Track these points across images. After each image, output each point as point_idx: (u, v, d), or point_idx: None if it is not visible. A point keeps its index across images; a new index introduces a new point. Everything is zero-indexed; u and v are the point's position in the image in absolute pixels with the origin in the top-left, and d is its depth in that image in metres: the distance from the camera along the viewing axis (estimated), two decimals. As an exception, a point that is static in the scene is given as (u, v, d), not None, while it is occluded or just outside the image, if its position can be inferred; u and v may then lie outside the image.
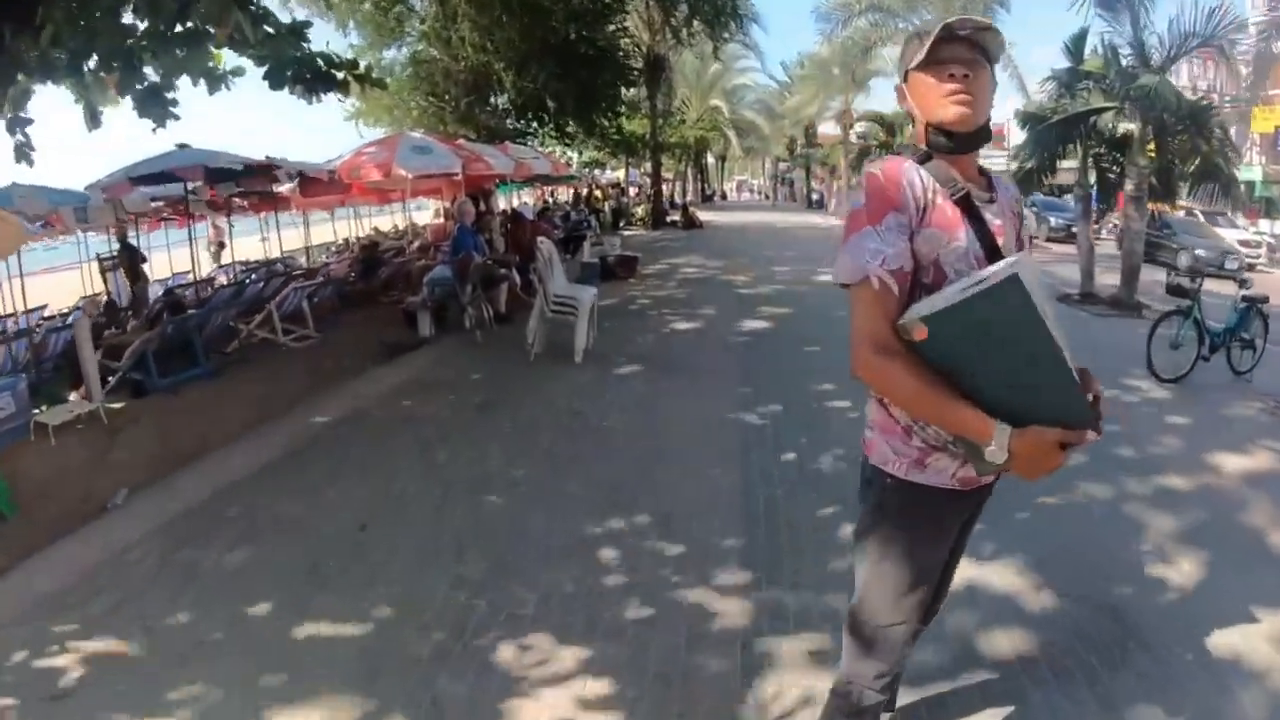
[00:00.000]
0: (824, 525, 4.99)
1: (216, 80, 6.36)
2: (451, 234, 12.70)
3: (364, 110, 23.28)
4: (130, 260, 16.53)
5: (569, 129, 25.05)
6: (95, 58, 6.00)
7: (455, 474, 6.01)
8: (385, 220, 31.83)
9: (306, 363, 10.46)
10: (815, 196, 57.91)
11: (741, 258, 21.04)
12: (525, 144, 24.34)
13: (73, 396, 8.73)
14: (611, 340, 10.55)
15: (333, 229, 27.97)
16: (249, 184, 15.16)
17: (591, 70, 21.50)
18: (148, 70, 6.14)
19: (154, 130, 6.44)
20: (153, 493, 5.87)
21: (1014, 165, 41.87)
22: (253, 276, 18.56)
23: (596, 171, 44.24)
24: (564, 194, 41.38)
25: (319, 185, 15.98)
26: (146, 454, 6.89)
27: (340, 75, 6.90)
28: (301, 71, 6.66)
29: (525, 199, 39.10)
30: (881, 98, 54.32)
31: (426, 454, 6.47)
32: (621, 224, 34.39)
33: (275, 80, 6.60)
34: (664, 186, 41.38)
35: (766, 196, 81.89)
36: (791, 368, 9.20)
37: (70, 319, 16.13)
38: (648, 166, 39.02)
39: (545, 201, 38.76)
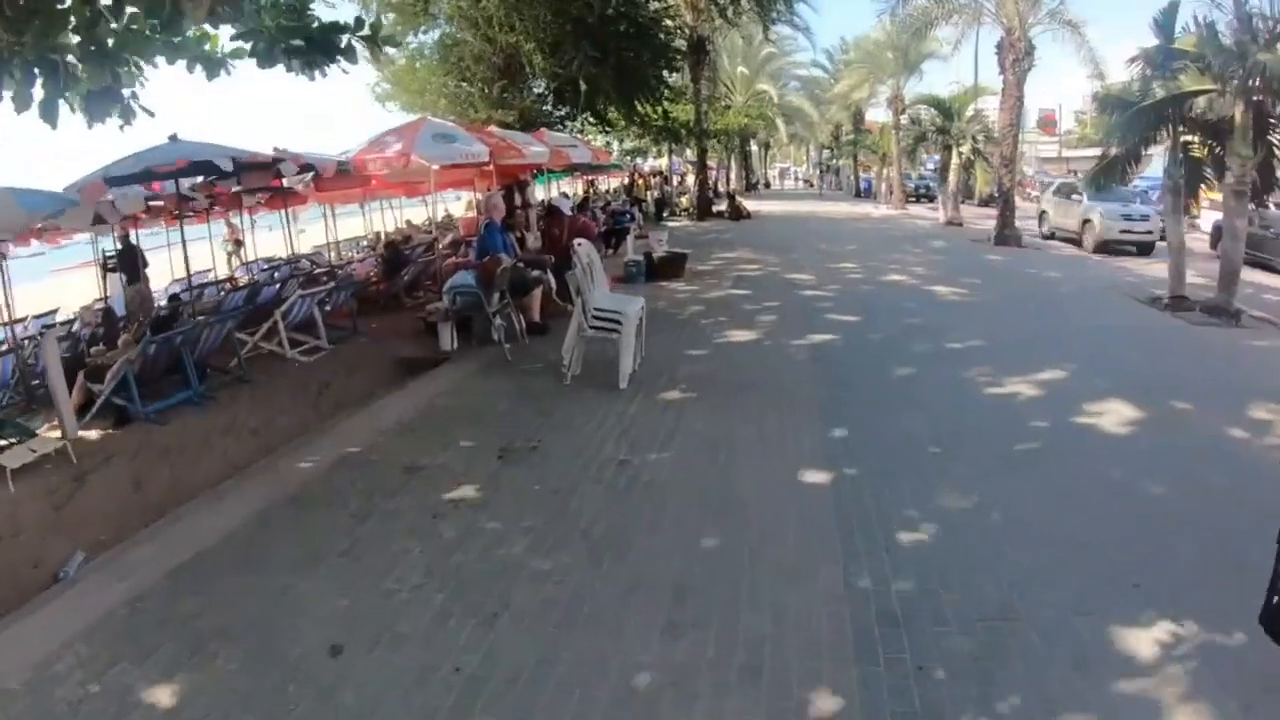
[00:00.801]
0: (965, 668, 3.41)
1: (214, 65, 5.60)
2: (478, 232, 11.22)
3: (392, 94, 22.00)
4: (130, 262, 15.23)
5: (608, 115, 23.43)
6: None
7: (465, 562, 4.52)
8: (419, 212, 30.44)
9: (311, 383, 9.55)
10: (863, 185, 55.93)
11: (796, 252, 19.52)
12: (564, 130, 22.97)
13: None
14: (660, 357, 9.07)
15: (363, 222, 26.64)
16: (250, 180, 13.68)
17: (631, 51, 19.97)
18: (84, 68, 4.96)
19: (121, 128, 5.58)
20: (106, 562, 4.88)
21: (1063, 152, 39.50)
22: (274, 276, 17.55)
23: (638, 160, 42.57)
24: (607, 184, 39.95)
25: (336, 178, 14.57)
26: (114, 503, 6.36)
27: (343, 40, 5.76)
28: (304, 42, 5.65)
29: (565, 190, 37.70)
30: (933, 81, 52.23)
31: (431, 528, 5.00)
32: (665, 214, 32.87)
33: (265, 57, 5.57)
34: (708, 175, 39.77)
35: (811, 184, 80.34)
36: (879, 397, 7.65)
37: (74, 327, 15.08)
38: (690, 154, 37.32)
39: (587, 192, 37.35)
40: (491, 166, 15.03)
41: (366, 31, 5.80)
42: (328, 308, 11.97)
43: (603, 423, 6.87)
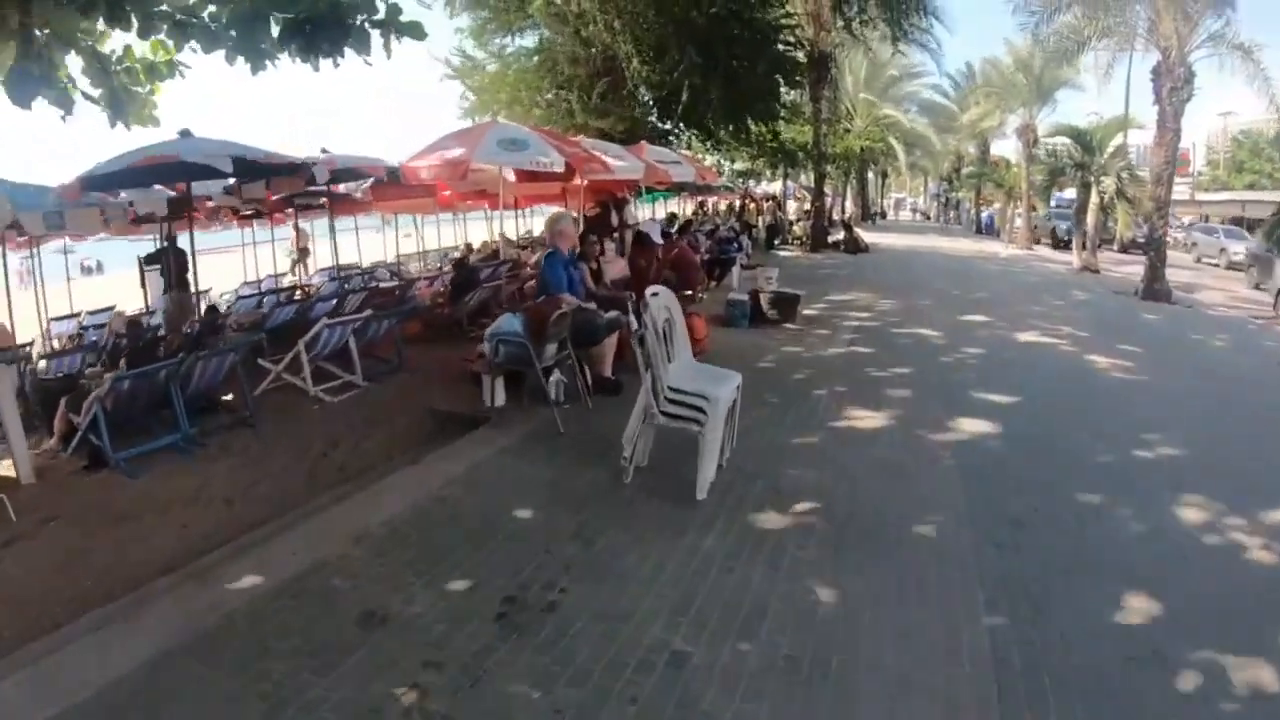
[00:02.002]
0: None
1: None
2: (538, 264, 9.24)
3: (480, 104, 20.32)
4: (171, 265, 13.75)
5: (719, 131, 21.26)
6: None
7: None
8: (517, 226, 28.82)
9: (320, 438, 7.86)
10: (985, 220, 53.06)
11: (923, 296, 17.13)
12: (671, 146, 21.05)
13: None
14: (757, 447, 6.87)
15: (456, 231, 25.05)
16: (281, 186, 12.23)
17: (743, 60, 17.84)
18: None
19: (62, 118, 5.13)
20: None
21: (1195, 195, 35.88)
22: (343, 288, 16.17)
23: (750, 182, 40.34)
24: (717, 206, 37.97)
25: (399, 186, 12.95)
26: (31, 591, 5.18)
27: (358, 21, 4.83)
28: (298, 22, 4.70)
29: (673, 210, 35.73)
30: (1067, 112, 48.94)
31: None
32: (777, 242, 30.61)
33: (248, 47, 4.89)
34: (825, 203, 37.40)
35: (927, 217, 77.54)
36: (1060, 553, 5.10)
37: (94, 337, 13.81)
38: (806, 179, 34.88)
39: (697, 212, 35.30)
40: (579, 181, 13.25)
41: (381, 14, 4.85)
42: (371, 334, 10.39)
43: (661, 568, 4.64)
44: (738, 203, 35.79)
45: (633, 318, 9.43)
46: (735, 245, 19.09)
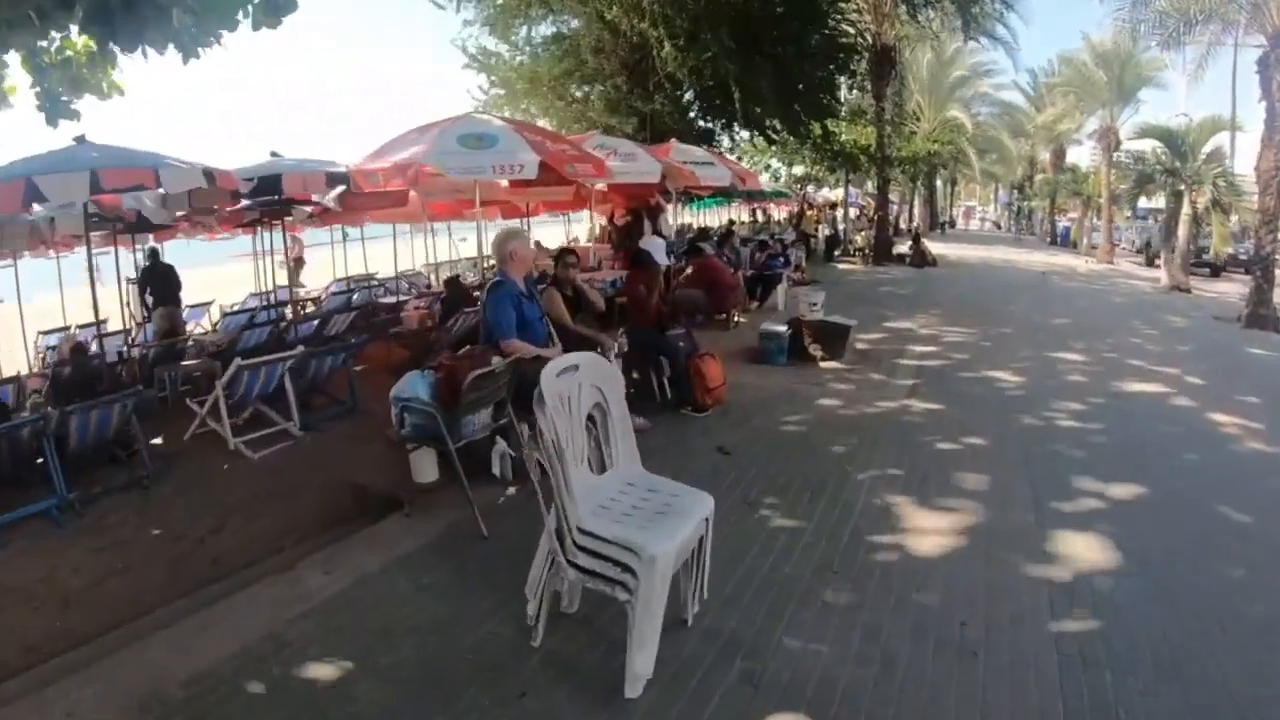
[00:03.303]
0: None
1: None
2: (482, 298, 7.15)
3: (499, 101, 18.31)
4: (158, 280, 13.39)
5: (766, 127, 18.84)
6: None
7: None
8: (555, 231, 26.76)
9: (213, 511, 6.42)
10: (1060, 231, 50.26)
11: (998, 323, 14.63)
12: (715, 146, 18.91)
13: None
14: (746, 586, 4.62)
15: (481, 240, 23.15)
16: (202, 199, 10.61)
17: (791, 46, 15.57)
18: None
19: None
20: None
21: None
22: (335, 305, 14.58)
23: (810, 189, 37.90)
24: (779, 213, 35.73)
25: (373, 193, 11.03)
26: None
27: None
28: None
29: (733, 216, 33.53)
30: (1151, 115, 45.85)
31: None
32: (837, 253, 28.31)
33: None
34: (890, 210, 34.81)
35: (998, 226, 74.50)
36: None
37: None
38: (870, 185, 32.26)
39: (754, 221, 33.05)
40: (593, 185, 11.29)
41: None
42: (320, 371, 9.11)
43: None
44: (796, 210, 33.27)
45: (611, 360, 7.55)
46: (781, 260, 16.74)
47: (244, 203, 12.37)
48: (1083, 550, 5.09)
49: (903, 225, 46.35)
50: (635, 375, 8.70)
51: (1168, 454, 7.27)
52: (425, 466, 6.10)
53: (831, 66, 18.15)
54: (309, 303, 17.68)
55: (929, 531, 5.31)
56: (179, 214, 12.48)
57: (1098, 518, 5.63)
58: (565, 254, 8.24)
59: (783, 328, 10.62)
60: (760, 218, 37.19)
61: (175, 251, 15.65)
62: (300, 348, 8.85)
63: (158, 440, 8.05)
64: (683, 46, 14.61)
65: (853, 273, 24.12)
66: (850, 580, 4.64)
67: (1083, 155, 56.52)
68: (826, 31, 16.90)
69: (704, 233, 23.90)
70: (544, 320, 6.80)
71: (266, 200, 11.70)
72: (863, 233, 29.98)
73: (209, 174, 8.64)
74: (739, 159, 28.98)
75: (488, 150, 8.78)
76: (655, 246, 8.64)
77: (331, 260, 20.77)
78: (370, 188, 9.55)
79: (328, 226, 18.98)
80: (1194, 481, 6.54)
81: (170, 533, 6.03)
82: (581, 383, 4.11)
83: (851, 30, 20.73)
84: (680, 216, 31.04)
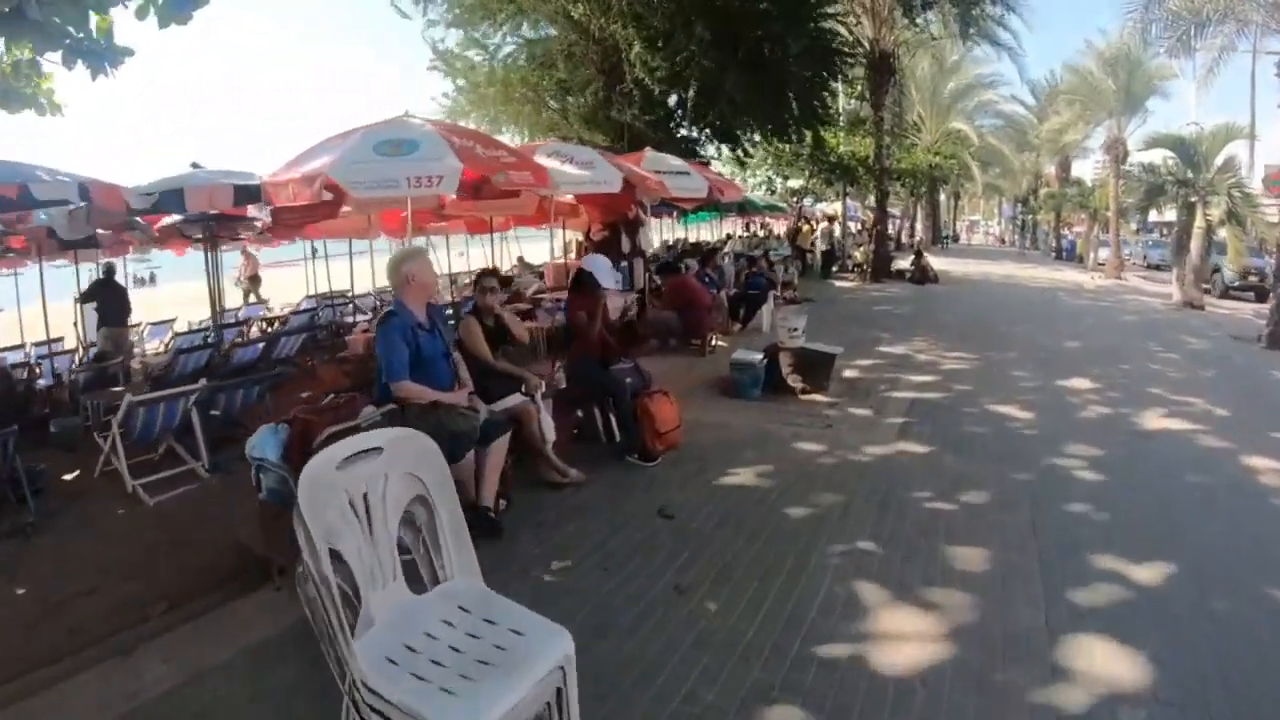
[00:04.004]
0: None
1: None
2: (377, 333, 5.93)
3: (462, 107, 17.15)
4: (106, 298, 12.73)
5: (745, 137, 17.54)
6: None
7: None
8: (540, 248, 25.49)
9: (88, 569, 5.52)
10: (1065, 245, 49.05)
11: (1003, 346, 13.41)
12: (703, 156, 17.75)
13: None
14: (660, 703, 3.52)
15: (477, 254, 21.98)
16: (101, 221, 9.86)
17: (776, 46, 14.37)
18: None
19: None
20: None
21: None
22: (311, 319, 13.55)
23: (807, 202, 36.65)
24: (779, 228, 34.57)
25: (302, 209, 9.95)
26: None
27: None
28: None
29: (730, 231, 32.40)
30: (1160, 125, 44.38)
31: None
32: (835, 268, 27.21)
33: None
34: (890, 225, 33.50)
35: (1003, 241, 73.31)
36: None
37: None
38: (871, 199, 30.98)
39: (749, 233, 31.86)
40: (544, 194, 10.19)
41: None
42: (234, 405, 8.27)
43: None
44: (792, 224, 32.05)
45: (538, 405, 6.39)
46: (763, 280, 15.46)
47: (175, 218, 11.58)
48: (1104, 665, 3.87)
49: (905, 240, 45.22)
50: (580, 414, 7.54)
51: (1203, 516, 6.02)
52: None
53: (824, 71, 16.88)
54: (275, 321, 16.55)
55: (907, 638, 4.10)
56: (100, 231, 11.45)
57: (1124, 614, 4.40)
58: (484, 276, 7.02)
59: (757, 356, 9.44)
60: (761, 232, 36.11)
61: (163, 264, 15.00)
62: (203, 381, 7.73)
63: (70, 476, 7.57)
64: (655, 47, 13.44)
65: (850, 290, 22.90)
66: (793, 712, 3.43)
67: (1087, 169, 55.72)
68: (812, 31, 15.55)
69: (697, 248, 22.85)
70: (450, 357, 5.69)
71: (198, 216, 10.78)
72: (862, 248, 28.76)
73: (84, 188, 7.53)
74: (732, 172, 27.93)
75: (404, 158, 7.64)
76: (598, 266, 7.45)
77: (310, 276, 19.54)
78: (282, 201, 8.39)
79: (304, 240, 17.97)
80: (1239, 556, 5.29)
81: (37, 593, 5.21)
82: (388, 473, 2.96)
83: (843, 31, 19.42)
84: (673, 231, 29.99)
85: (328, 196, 7.97)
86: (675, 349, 12.05)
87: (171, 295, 17.42)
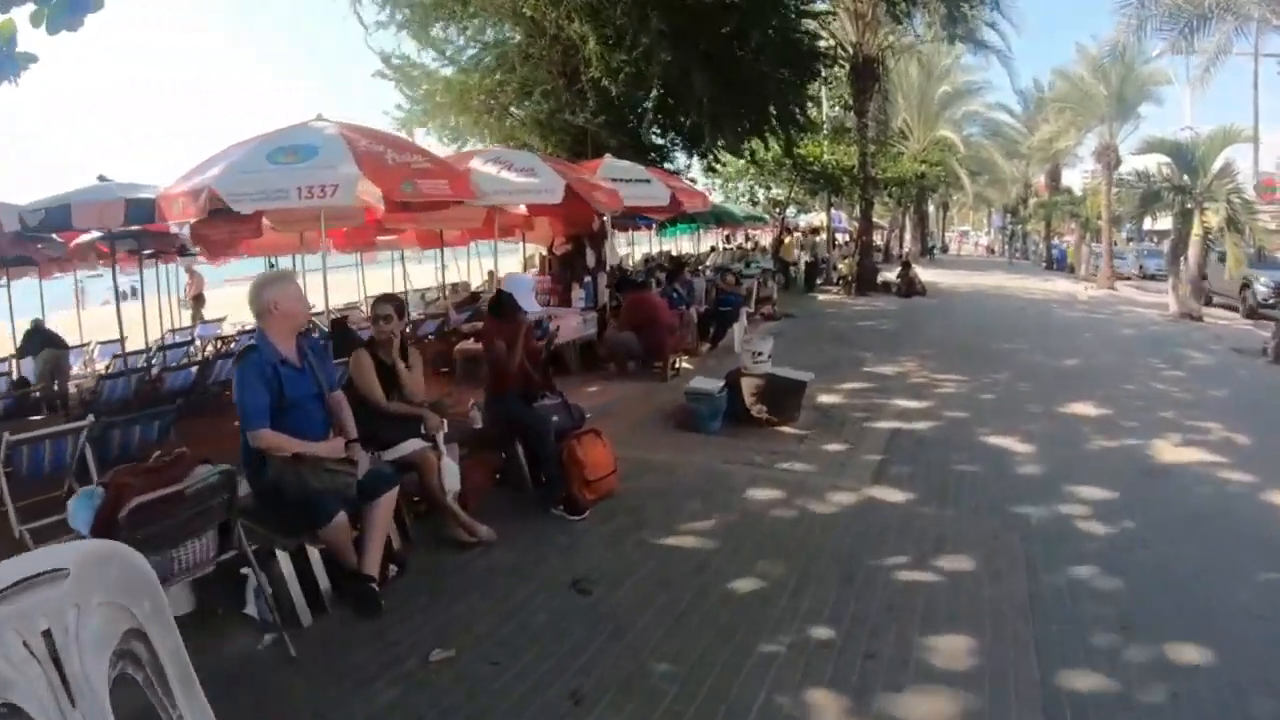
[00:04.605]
0: None
1: None
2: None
3: (416, 115, 16.07)
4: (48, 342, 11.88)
5: (712, 140, 16.30)
6: None
7: None
8: (514, 262, 24.43)
9: None
10: (1056, 255, 48.15)
11: (996, 366, 12.38)
12: (672, 164, 16.72)
13: None
14: None
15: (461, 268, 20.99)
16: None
17: (744, 44, 13.33)
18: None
19: None
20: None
21: None
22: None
23: (790, 212, 35.58)
24: (765, 239, 33.63)
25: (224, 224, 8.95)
26: None
27: None
28: None
29: (717, 242, 31.41)
30: (1153, 129, 43.38)
31: None
32: (819, 281, 26.24)
33: None
34: (876, 236, 32.40)
35: (991, 251, 72.59)
36: None
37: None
38: (857, 209, 29.86)
39: (728, 244, 30.84)
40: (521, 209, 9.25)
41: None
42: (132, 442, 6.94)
43: None
44: (775, 236, 30.97)
45: (442, 449, 5.32)
46: (733, 299, 14.23)
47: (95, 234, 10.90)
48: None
49: (894, 251, 44.29)
50: (504, 456, 6.46)
51: (1234, 581, 4.94)
52: (176, 593, 4.11)
53: (799, 73, 15.74)
54: (227, 340, 15.36)
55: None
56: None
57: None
58: (379, 303, 5.89)
59: (717, 385, 8.34)
60: (748, 244, 35.19)
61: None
62: (91, 417, 6.61)
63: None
64: (613, 44, 12.40)
65: (833, 304, 21.85)
66: None
67: (1077, 178, 54.94)
68: (779, 26, 14.36)
69: (676, 261, 21.88)
70: (323, 398, 4.73)
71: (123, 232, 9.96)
72: (847, 260, 27.72)
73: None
74: (711, 182, 26.90)
75: (298, 166, 6.64)
76: (519, 286, 6.38)
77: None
78: (175, 217, 7.37)
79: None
80: (1283, 637, 4.24)
81: None
82: (81, 603, 1.91)
83: (815, 28, 18.22)
84: (653, 244, 28.97)
85: (251, 211, 6.94)
86: (635, 373, 10.98)
87: (152, 311, 16.30)
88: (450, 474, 5.46)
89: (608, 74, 12.57)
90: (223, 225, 9.39)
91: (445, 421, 5.71)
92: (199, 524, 3.86)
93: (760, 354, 8.51)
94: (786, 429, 8.17)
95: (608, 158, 12.12)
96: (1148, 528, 5.74)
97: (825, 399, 9.53)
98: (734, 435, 8.01)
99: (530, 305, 6.36)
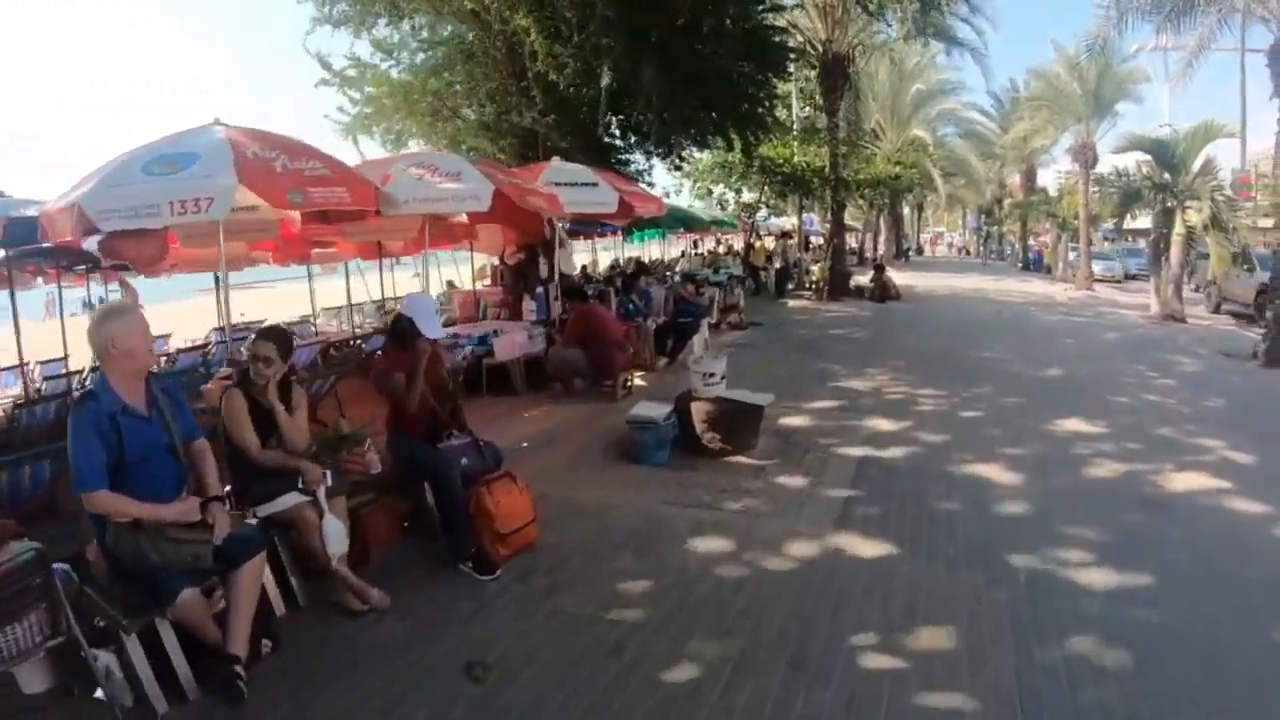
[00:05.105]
0: None
1: None
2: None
3: (361, 121, 15.12)
4: None
5: (662, 138, 15.23)
6: None
7: None
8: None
9: None
10: (1032, 256, 47.62)
11: (976, 378, 11.49)
12: (628, 167, 15.85)
13: None
14: None
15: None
16: None
17: (691, 31, 12.43)
18: None
19: None
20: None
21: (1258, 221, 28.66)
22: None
23: (760, 215, 34.51)
24: (737, 244, 32.82)
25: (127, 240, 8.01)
26: None
27: None
28: None
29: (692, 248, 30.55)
30: (1131, 127, 42.70)
31: None
32: (790, 286, 25.52)
33: None
34: (849, 238, 31.51)
35: (967, 252, 72.11)
36: None
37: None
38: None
39: (697, 250, 29.98)
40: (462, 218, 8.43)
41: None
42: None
43: None
44: (746, 241, 29.98)
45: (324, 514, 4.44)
46: (693, 311, 13.17)
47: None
48: None
49: (868, 254, 43.57)
50: (413, 500, 5.57)
51: (1263, 652, 4.09)
52: (30, 669, 3.64)
53: (762, 68, 14.75)
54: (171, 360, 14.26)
55: None
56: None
57: None
58: (261, 341, 4.89)
59: (663, 411, 7.41)
60: (721, 249, 34.32)
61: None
62: None
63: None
64: (558, 35, 11.48)
65: (803, 311, 20.95)
66: None
67: (1052, 178, 54.45)
68: (734, 17, 13.34)
69: (641, 267, 21.02)
70: (174, 451, 4.03)
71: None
72: (819, 264, 26.83)
73: None
74: (678, 185, 26.07)
75: (176, 177, 5.76)
76: (419, 308, 5.49)
77: (222, 305, 17.18)
78: (54, 236, 6.47)
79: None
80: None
81: None
82: None
83: (778, 20, 17.22)
84: (622, 250, 28.07)
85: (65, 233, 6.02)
86: (584, 393, 10.06)
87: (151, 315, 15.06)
88: (334, 534, 4.56)
89: (554, 68, 11.64)
90: (129, 241, 8.39)
91: (329, 474, 4.79)
92: (15, 607, 3.39)
93: (712, 375, 7.58)
94: (742, 459, 7.27)
95: (555, 161, 11.24)
96: (1154, 576, 4.88)
97: (788, 421, 8.64)
98: (682, 467, 7.11)
99: (432, 329, 5.45)
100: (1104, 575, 4.90)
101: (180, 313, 16.41)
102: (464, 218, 10.72)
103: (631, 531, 5.67)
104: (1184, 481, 6.84)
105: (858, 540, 5.45)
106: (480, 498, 5.16)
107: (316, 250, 13.29)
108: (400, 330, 5.48)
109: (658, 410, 7.36)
